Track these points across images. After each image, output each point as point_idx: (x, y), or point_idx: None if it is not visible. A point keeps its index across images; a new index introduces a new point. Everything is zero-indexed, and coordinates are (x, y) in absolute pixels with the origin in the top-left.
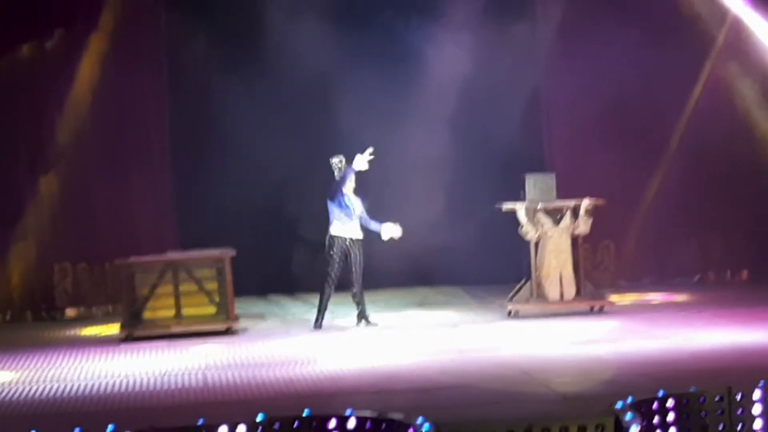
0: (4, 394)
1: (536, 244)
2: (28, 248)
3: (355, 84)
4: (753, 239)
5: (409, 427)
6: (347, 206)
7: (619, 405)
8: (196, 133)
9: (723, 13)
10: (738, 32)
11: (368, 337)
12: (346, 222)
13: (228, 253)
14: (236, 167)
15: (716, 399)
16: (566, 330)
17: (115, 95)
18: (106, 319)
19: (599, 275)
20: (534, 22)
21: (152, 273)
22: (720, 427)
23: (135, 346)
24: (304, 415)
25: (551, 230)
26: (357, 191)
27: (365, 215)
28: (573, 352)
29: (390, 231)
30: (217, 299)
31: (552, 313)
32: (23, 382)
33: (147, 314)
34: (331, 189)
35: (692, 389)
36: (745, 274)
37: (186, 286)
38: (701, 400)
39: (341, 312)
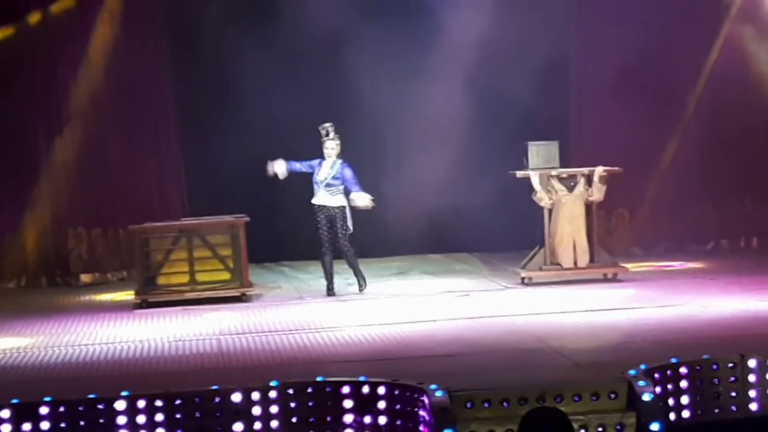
0: (19, 359)
1: (550, 211)
2: (42, 214)
3: (370, 42)
4: (766, 205)
5: (422, 394)
6: (316, 175)
7: (632, 372)
8: (208, 96)
9: None
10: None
11: (382, 304)
12: (317, 190)
13: (242, 219)
14: (248, 131)
15: (729, 366)
16: (580, 297)
17: (127, 58)
18: (120, 284)
19: (613, 242)
20: None
21: (166, 239)
22: (733, 394)
23: (149, 311)
24: (317, 380)
25: (565, 197)
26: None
27: (350, 182)
28: (586, 319)
29: (360, 199)
30: (231, 265)
31: (565, 280)
32: (38, 347)
33: (161, 280)
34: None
35: (705, 356)
36: (759, 241)
37: (200, 252)
38: (714, 367)
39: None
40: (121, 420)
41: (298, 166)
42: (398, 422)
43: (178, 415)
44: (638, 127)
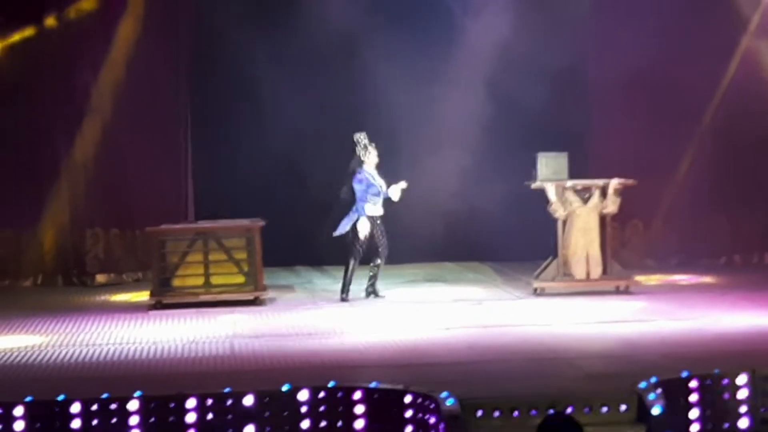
0: (33, 357)
1: (564, 222)
2: (60, 213)
3: (384, 47)
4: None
5: (433, 401)
6: (374, 185)
7: (642, 385)
8: (226, 99)
9: None
10: None
11: (394, 311)
12: (377, 201)
13: (258, 223)
14: (265, 134)
15: (739, 381)
16: (592, 309)
17: (147, 60)
18: (135, 285)
19: (627, 254)
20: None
21: (183, 241)
22: (742, 410)
23: (163, 313)
24: (329, 386)
25: (579, 209)
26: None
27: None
28: (598, 331)
29: (396, 192)
30: (245, 269)
31: (578, 291)
32: (53, 346)
33: (176, 282)
34: (352, 173)
35: (716, 371)
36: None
37: (215, 255)
38: (724, 382)
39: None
40: (134, 420)
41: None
42: (409, 429)
43: (189, 417)
44: (654, 138)
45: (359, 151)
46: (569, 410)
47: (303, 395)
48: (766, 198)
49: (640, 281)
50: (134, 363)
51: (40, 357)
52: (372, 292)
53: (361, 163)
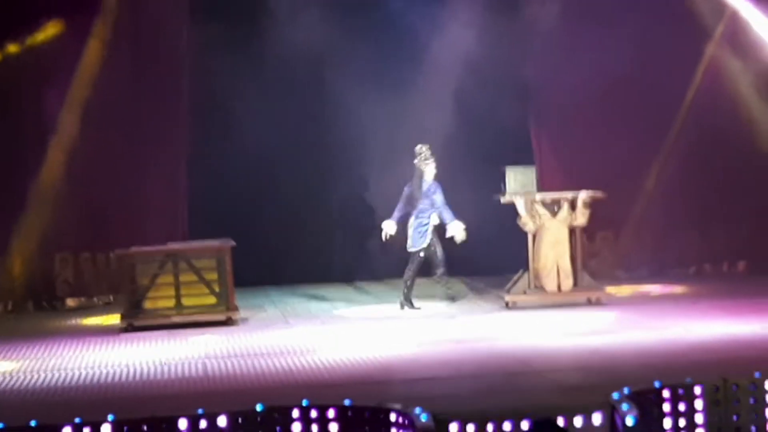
0: (5, 383)
1: (533, 236)
2: (29, 239)
3: (354, 62)
4: (751, 231)
5: (407, 417)
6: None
7: (615, 395)
8: (199, 119)
9: (722, 5)
10: (737, 23)
11: (366, 328)
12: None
13: (228, 243)
14: (233, 153)
15: (712, 390)
16: (563, 321)
17: (115, 84)
18: (106, 308)
19: (596, 265)
20: (533, 13)
21: (153, 263)
22: (715, 419)
23: (135, 335)
24: (303, 404)
25: (549, 222)
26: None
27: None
28: (570, 343)
29: (455, 229)
30: (217, 289)
31: (549, 304)
32: (24, 372)
33: (147, 304)
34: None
35: (688, 380)
36: (742, 265)
37: (186, 277)
38: (697, 391)
39: (342, 302)
40: None
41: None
42: None
43: None
44: (623, 149)
45: (421, 162)
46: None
47: (276, 415)
48: (736, 207)
49: (612, 292)
50: (106, 386)
51: (11, 383)
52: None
53: (422, 173)
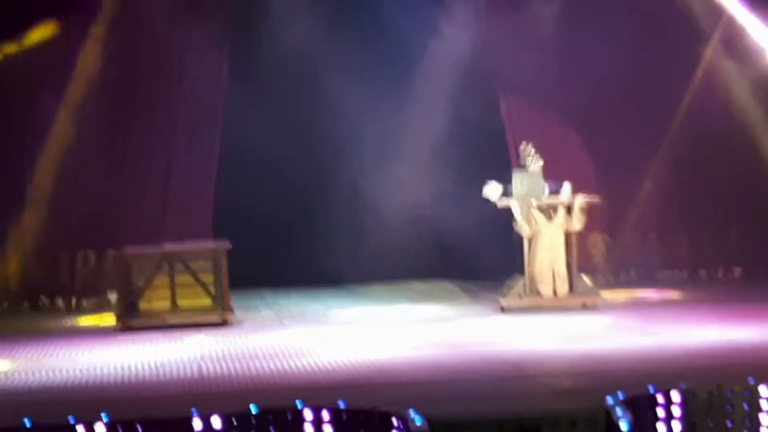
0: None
1: (530, 240)
2: (25, 238)
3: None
4: (745, 236)
5: (401, 421)
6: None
7: (610, 400)
8: (193, 121)
9: (717, 8)
10: (733, 28)
11: (361, 331)
12: None
13: (224, 245)
14: (234, 159)
15: (706, 396)
16: (558, 326)
17: (111, 82)
18: (102, 309)
19: (589, 269)
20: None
21: (148, 264)
22: (709, 425)
23: (130, 336)
24: (297, 406)
25: (545, 226)
26: None
27: None
28: (565, 348)
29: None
30: (212, 291)
31: (544, 309)
32: (19, 371)
33: (143, 305)
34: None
35: (682, 386)
36: (737, 271)
37: (182, 278)
38: (691, 396)
39: (337, 305)
40: None
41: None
42: None
43: None
44: (617, 154)
45: (525, 160)
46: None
47: (270, 416)
48: (729, 213)
49: (607, 298)
50: (101, 387)
51: (6, 382)
52: None
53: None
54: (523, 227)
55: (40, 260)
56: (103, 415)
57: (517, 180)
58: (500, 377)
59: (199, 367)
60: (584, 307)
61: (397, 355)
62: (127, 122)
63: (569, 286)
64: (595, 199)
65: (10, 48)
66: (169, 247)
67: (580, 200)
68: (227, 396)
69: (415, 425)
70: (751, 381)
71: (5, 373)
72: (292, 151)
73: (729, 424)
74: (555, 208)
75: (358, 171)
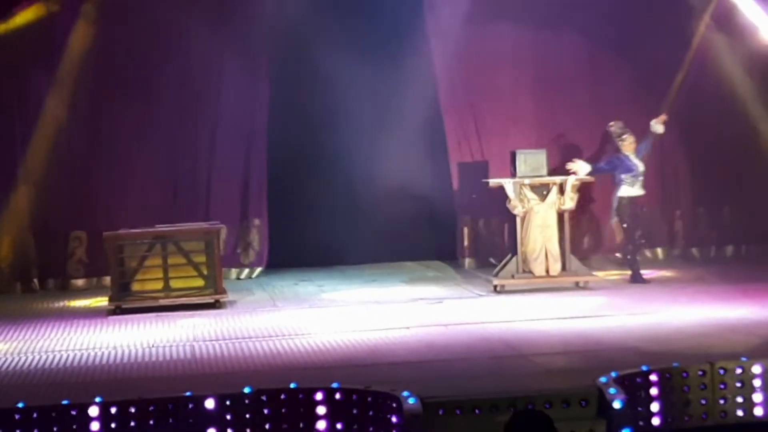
0: None
1: (522, 219)
2: (17, 219)
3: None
4: (738, 214)
5: (395, 400)
6: (632, 169)
7: (603, 379)
8: (178, 104)
9: None
10: (726, 6)
11: (355, 311)
12: (633, 182)
13: (217, 226)
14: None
15: (699, 374)
16: (551, 305)
17: (104, 62)
18: (94, 291)
19: (585, 249)
20: None
21: (141, 245)
22: (702, 402)
23: (123, 318)
24: (291, 387)
25: (537, 205)
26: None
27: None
28: (558, 327)
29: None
30: (205, 272)
31: (538, 288)
32: (11, 353)
33: (135, 286)
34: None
35: (675, 364)
36: (729, 249)
37: (174, 259)
38: (684, 375)
39: (330, 285)
40: (94, 426)
41: (604, 166)
42: (371, 429)
43: (151, 422)
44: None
45: (616, 140)
46: (529, 407)
47: (264, 397)
48: (722, 192)
49: (600, 277)
50: (94, 369)
51: None
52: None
53: (618, 149)
54: (515, 206)
55: (32, 241)
56: (96, 398)
57: (521, 159)
58: (493, 356)
59: (192, 349)
60: (577, 286)
61: (390, 335)
62: (119, 101)
63: (562, 266)
64: (588, 178)
65: (1, 27)
66: (161, 228)
67: (573, 179)
68: (221, 377)
69: (409, 405)
70: (743, 359)
71: None
72: (286, 130)
73: (722, 402)
74: (548, 187)
75: (354, 150)
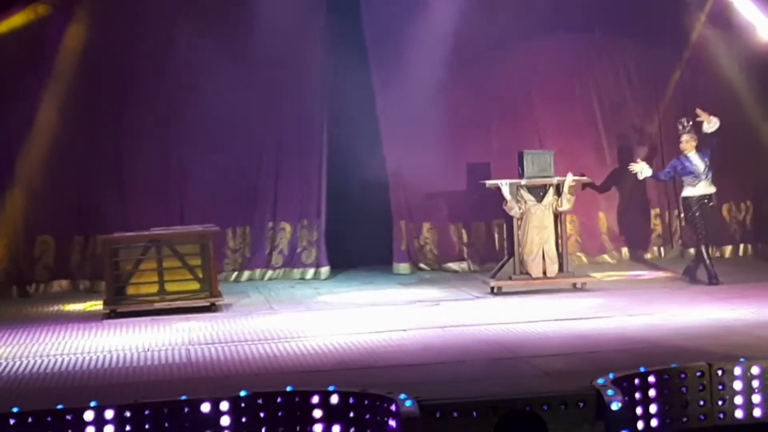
0: None
1: (519, 221)
2: (11, 223)
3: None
4: (738, 213)
5: (392, 403)
6: (690, 170)
7: (600, 381)
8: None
9: None
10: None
11: (351, 314)
12: (694, 182)
13: (211, 229)
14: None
15: (697, 375)
16: (549, 306)
17: (97, 63)
18: (90, 294)
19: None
20: None
21: (136, 249)
22: (701, 403)
23: (118, 321)
24: (287, 390)
25: (534, 207)
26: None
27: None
28: (555, 329)
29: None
30: (200, 275)
31: (535, 289)
32: (6, 358)
33: (130, 290)
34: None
35: (673, 365)
36: (728, 250)
37: (169, 262)
38: (682, 376)
39: (325, 288)
40: (90, 431)
41: (662, 177)
42: None
43: (147, 426)
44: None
45: (681, 133)
46: (527, 409)
47: (260, 401)
48: (721, 192)
49: (597, 278)
50: (89, 373)
51: None
52: (690, 274)
53: (682, 150)
54: (512, 207)
55: (27, 245)
56: (92, 402)
57: (528, 160)
58: (491, 359)
59: (188, 352)
60: (574, 288)
61: (387, 337)
62: (113, 105)
63: (559, 267)
64: (585, 179)
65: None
66: (156, 231)
67: (569, 180)
68: (217, 381)
69: (406, 408)
70: (742, 360)
71: None
72: (281, 132)
73: (720, 403)
74: (545, 188)
75: (349, 152)
